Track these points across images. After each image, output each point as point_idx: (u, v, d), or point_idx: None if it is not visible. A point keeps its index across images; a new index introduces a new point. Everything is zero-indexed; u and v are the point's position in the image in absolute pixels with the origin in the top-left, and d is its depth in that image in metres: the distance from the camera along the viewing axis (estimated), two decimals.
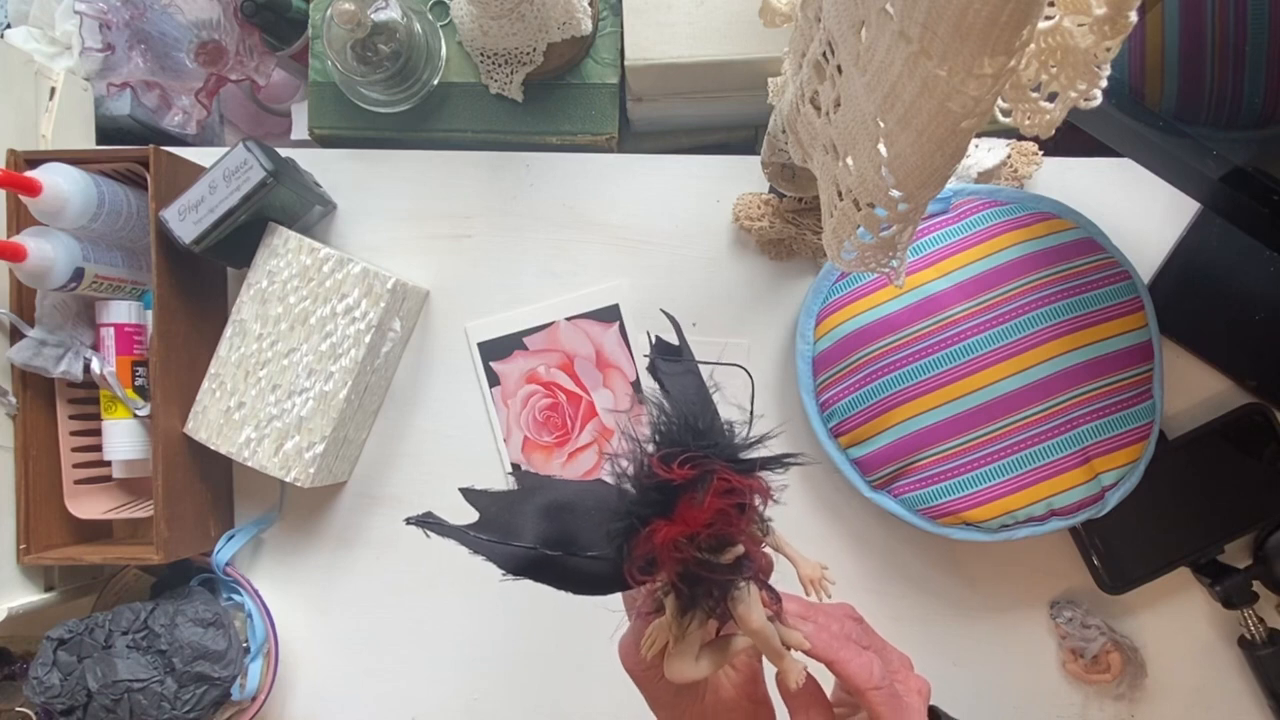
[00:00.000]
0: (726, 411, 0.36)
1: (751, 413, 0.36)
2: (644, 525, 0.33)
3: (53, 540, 0.68)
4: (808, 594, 0.41)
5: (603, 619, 0.45)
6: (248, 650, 0.69)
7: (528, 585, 0.35)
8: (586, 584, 0.35)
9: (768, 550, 0.39)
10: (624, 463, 0.33)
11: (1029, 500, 0.62)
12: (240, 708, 0.69)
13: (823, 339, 0.66)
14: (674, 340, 0.39)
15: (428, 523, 0.34)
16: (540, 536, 0.34)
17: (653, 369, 0.37)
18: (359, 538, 0.74)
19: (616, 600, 0.46)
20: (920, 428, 0.63)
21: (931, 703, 0.55)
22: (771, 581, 0.38)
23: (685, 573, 0.33)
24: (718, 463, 0.33)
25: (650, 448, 0.33)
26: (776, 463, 0.35)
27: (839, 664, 0.38)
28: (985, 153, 0.68)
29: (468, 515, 0.36)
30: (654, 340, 0.38)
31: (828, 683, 0.42)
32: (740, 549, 0.34)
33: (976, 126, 0.32)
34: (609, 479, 0.34)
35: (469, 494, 0.36)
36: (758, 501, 0.34)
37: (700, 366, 0.38)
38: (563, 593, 0.35)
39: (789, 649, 0.38)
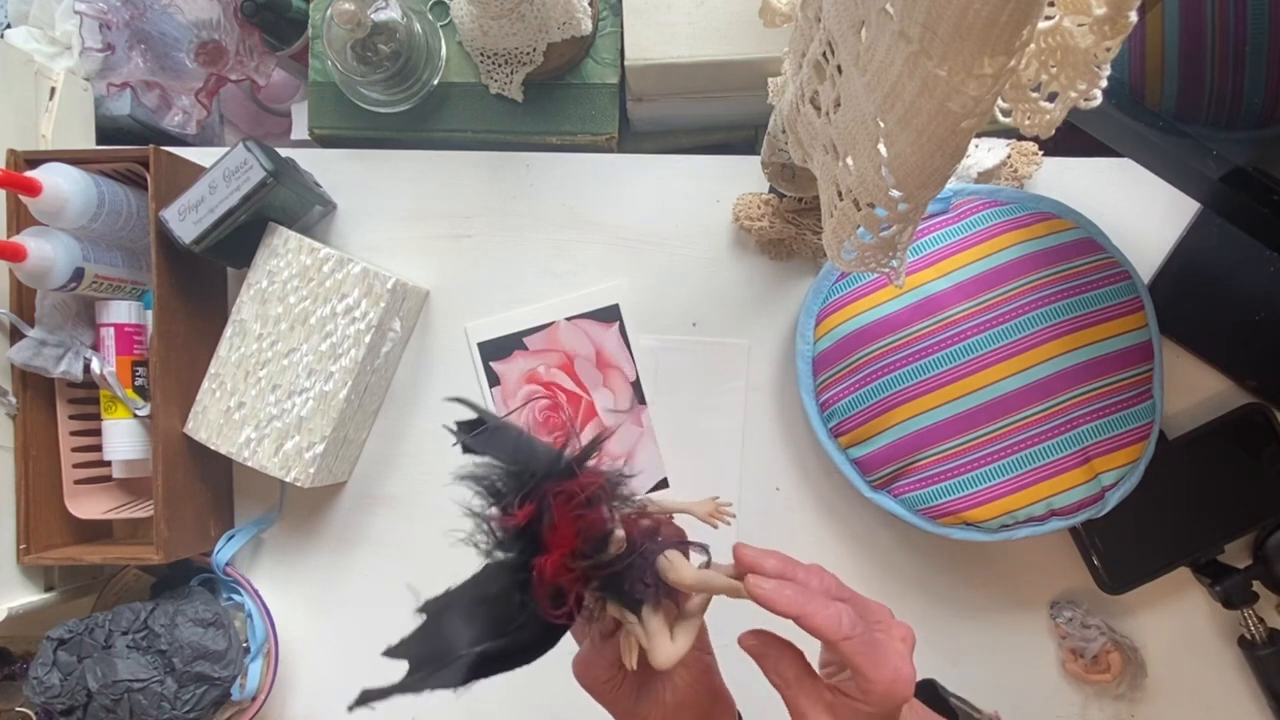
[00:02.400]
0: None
1: (573, 424, 0.37)
2: (531, 571, 0.35)
3: (53, 540, 0.68)
4: (715, 529, 0.42)
5: None
6: (248, 650, 0.69)
7: None
8: (530, 651, 0.36)
9: (661, 517, 0.40)
10: (480, 538, 0.36)
11: (1029, 500, 0.62)
12: (240, 708, 0.69)
13: (823, 339, 0.66)
14: (470, 415, 0.39)
15: (370, 697, 0.36)
16: (467, 642, 0.36)
17: (465, 449, 0.38)
18: (359, 538, 0.74)
19: None
20: (920, 428, 0.63)
21: (932, 677, 0.54)
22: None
23: (597, 582, 0.36)
24: (545, 484, 0.35)
25: (491, 510, 0.35)
26: (588, 453, 0.37)
27: (805, 618, 0.38)
28: (985, 153, 0.68)
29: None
30: (454, 427, 0.38)
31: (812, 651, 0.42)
32: (621, 535, 0.36)
33: (976, 126, 0.32)
34: (482, 558, 0.36)
35: (392, 651, 0.37)
36: (604, 489, 0.36)
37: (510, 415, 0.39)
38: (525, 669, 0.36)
39: (739, 577, 0.39)
